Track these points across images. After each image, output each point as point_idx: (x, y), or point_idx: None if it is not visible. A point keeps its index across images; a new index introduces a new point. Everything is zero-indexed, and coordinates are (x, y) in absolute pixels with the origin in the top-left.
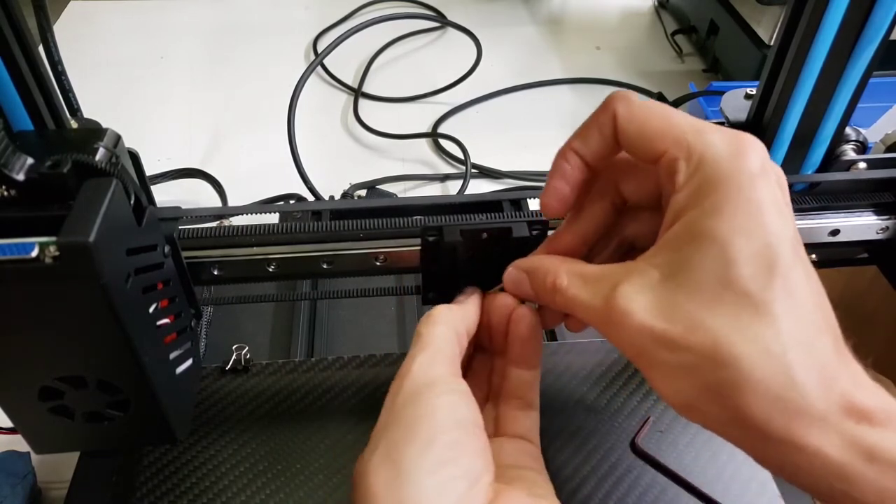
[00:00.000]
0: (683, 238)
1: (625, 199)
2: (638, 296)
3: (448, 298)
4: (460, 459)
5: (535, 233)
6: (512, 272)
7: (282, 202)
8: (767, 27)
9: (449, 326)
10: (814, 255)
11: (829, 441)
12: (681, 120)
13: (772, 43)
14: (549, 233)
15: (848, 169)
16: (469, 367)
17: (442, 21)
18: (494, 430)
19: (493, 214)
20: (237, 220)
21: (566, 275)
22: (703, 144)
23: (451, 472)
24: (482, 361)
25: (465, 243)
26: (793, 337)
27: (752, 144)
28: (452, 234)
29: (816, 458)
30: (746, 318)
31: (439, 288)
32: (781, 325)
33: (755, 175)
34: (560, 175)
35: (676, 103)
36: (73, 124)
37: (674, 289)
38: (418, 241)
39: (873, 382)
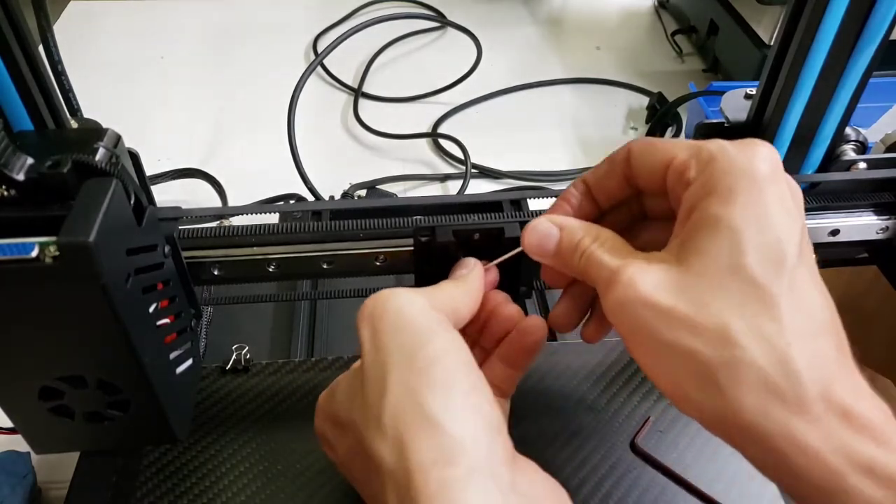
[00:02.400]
0: (696, 225)
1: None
2: (649, 272)
3: None
4: (483, 406)
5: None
6: (544, 224)
7: (282, 202)
8: (767, 27)
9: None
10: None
11: (822, 442)
12: (692, 140)
13: (772, 43)
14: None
15: (848, 169)
16: None
17: (442, 21)
18: None
19: (492, 214)
20: (237, 220)
21: (603, 234)
22: (715, 145)
23: (478, 420)
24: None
25: (457, 244)
26: (795, 332)
27: (764, 146)
28: (445, 234)
29: (810, 459)
30: (752, 307)
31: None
32: (785, 319)
33: (766, 173)
34: (564, 197)
35: (676, 103)
36: (73, 124)
37: (684, 271)
38: None
39: (875, 395)
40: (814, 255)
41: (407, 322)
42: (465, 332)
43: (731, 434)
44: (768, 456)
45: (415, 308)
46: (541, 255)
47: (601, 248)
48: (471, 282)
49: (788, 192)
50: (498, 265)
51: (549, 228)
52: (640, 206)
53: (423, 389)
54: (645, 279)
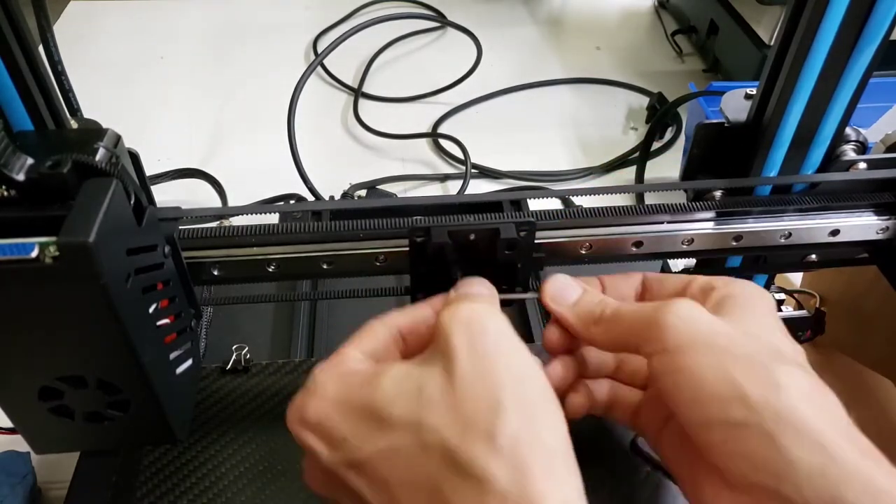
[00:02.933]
0: (724, 305)
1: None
2: (699, 305)
3: None
4: (565, 435)
5: (522, 234)
6: (566, 279)
7: (282, 202)
8: (767, 27)
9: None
10: (814, 255)
11: (861, 462)
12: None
13: (772, 43)
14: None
15: (848, 169)
16: None
17: (442, 21)
18: None
19: (492, 215)
20: (237, 221)
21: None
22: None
23: (575, 471)
24: None
25: (452, 244)
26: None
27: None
28: (440, 234)
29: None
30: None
31: (428, 289)
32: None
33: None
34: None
35: (676, 103)
36: (73, 124)
37: (730, 310)
38: None
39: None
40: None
41: (514, 349)
42: None
43: (781, 433)
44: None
45: (515, 338)
46: (557, 304)
47: (622, 305)
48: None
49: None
50: (497, 274)
51: (573, 283)
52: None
53: (544, 426)
54: (701, 308)
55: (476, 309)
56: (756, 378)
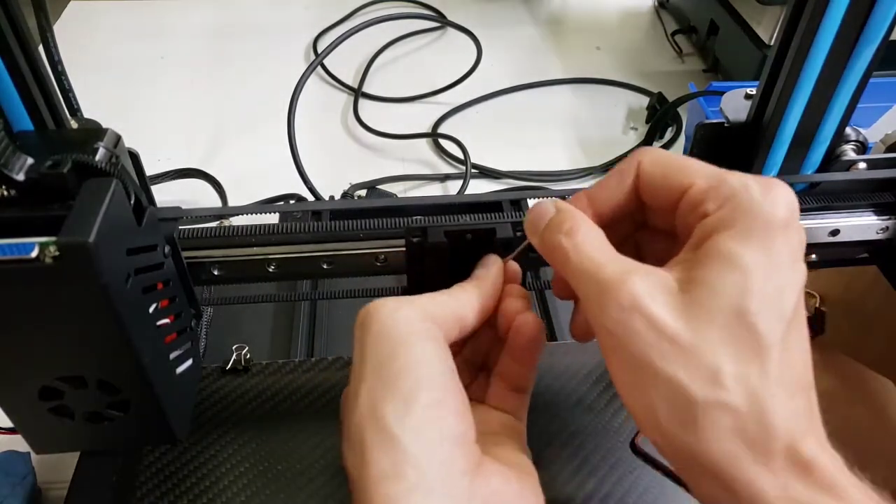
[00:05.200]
0: (707, 256)
1: (645, 221)
2: (655, 289)
3: None
4: (445, 419)
5: (519, 234)
6: (545, 204)
7: (282, 202)
8: (767, 27)
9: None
10: (814, 255)
11: (779, 493)
12: (708, 165)
13: (772, 43)
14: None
15: (848, 169)
16: (473, 334)
17: (442, 21)
18: (482, 397)
19: (492, 215)
20: (237, 220)
21: (590, 230)
22: (738, 180)
23: (434, 434)
24: (487, 333)
25: (449, 244)
26: (780, 386)
27: (782, 188)
28: (436, 234)
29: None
30: (746, 354)
31: (425, 289)
32: (773, 372)
33: (784, 220)
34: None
35: (676, 103)
36: (73, 124)
37: (689, 300)
38: None
39: (835, 452)
40: (804, 311)
41: (387, 331)
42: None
43: (691, 470)
44: (723, 497)
45: (398, 316)
46: (530, 233)
47: (586, 241)
48: (481, 286)
49: (798, 244)
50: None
51: (548, 207)
52: (640, 217)
53: (386, 402)
54: (652, 296)
55: (371, 305)
56: (675, 412)
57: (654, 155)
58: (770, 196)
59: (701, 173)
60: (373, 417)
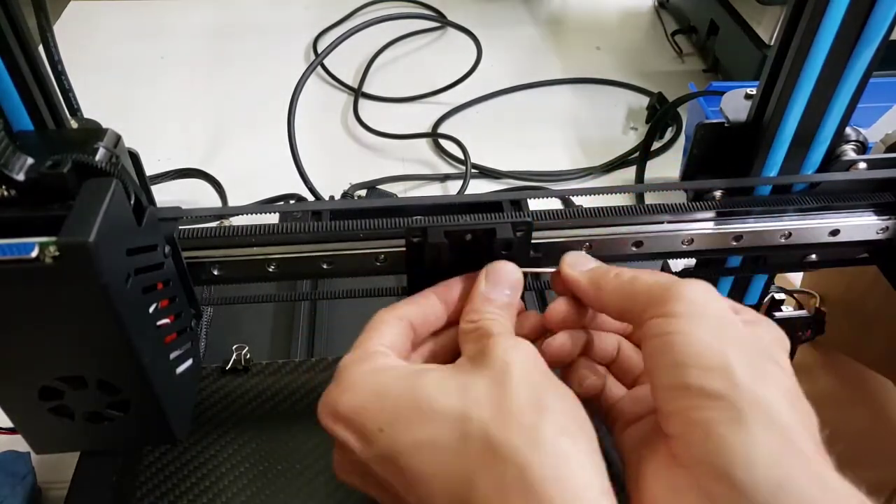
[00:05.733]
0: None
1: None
2: (713, 291)
3: None
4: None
5: (519, 234)
6: (582, 253)
7: (282, 202)
8: (767, 27)
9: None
10: (814, 255)
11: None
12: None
13: (772, 43)
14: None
15: (848, 169)
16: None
17: (442, 21)
18: None
19: (492, 215)
20: (237, 220)
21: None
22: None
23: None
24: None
25: (449, 244)
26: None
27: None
28: (436, 235)
29: None
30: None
31: (425, 289)
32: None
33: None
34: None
35: (676, 103)
36: (73, 124)
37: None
38: None
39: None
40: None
41: (558, 381)
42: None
43: (750, 416)
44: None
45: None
46: (574, 267)
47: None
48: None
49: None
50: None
51: (590, 257)
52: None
53: (582, 435)
54: (718, 295)
55: (530, 346)
56: (748, 361)
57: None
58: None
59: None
60: (573, 437)
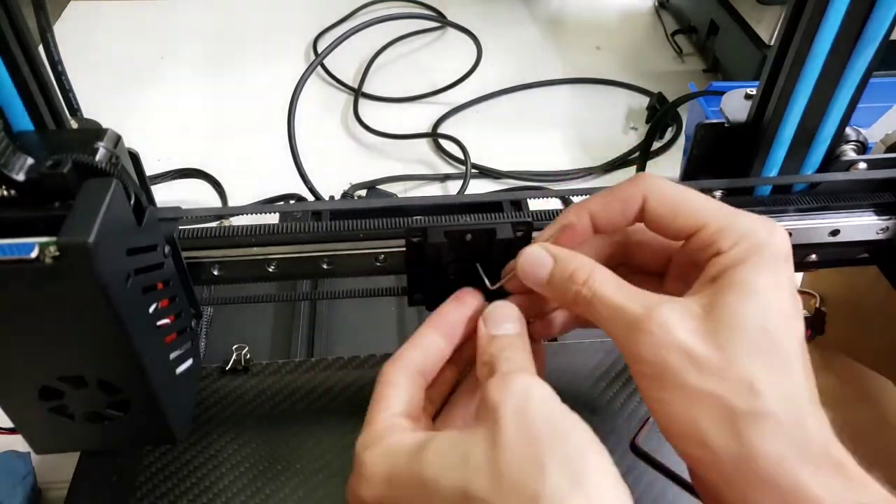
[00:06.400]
0: (726, 287)
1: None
2: (682, 317)
3: (433, 299)
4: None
5: (519, 234)
6: (537, 251)
7: (282, 202)
8: (767, 27)
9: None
10: (814, 255)
11: (826, 492)
12: (714, 202)
13: (772, 43)
14: (535, 235)
15: (848, 169)
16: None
17: (442, 21)
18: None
19: (492, 215)
20: (237, 220)
21: (602, 273)
22: (746, 222)
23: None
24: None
25: (449, 244)
26: (807, 395)
27: (783, 231)
28: (436, 235)
29: None
30: (776, 367)
31: (425, 289)
32: (800, 382)
33: (784, 256)
34: (568, 233)
35: (676, 103)
36: (73, 124)
37: (715, 323)
38: None
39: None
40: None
41: (557, 411)
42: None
43: (738, 481)
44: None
45: (558, 401)
46: (533, 284)
47: (605, 286)
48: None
49: (794, 275)
50: (494, 275)
51: (542, 257)
52: (623, 252)
53: (588, 479)
54: (681, 325)
55: (524, 381)
56: (719, 424)
57: (660, 191)
58: (774, 236)
59: (712, 215)
60: (576, 490)
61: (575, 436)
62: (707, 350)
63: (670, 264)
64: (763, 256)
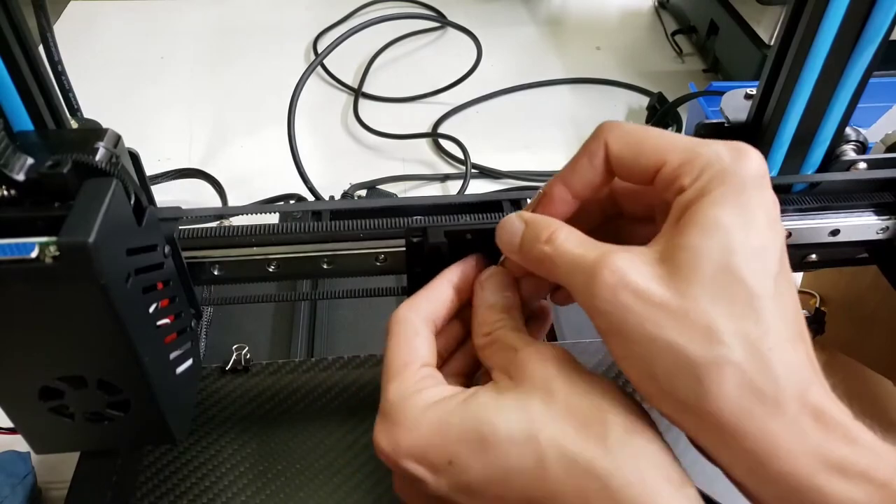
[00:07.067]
0: (686, 226)
1: (620, 211)
2: (637, 263)
3: None
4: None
5: None
6: (512, 219)
7: (282, 202)
8: (767, 27)
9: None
10: (814, 255)
11: (797, 443)
12: (677, 136)
13: (772, 43)
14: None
15: (848, 169)
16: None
17: (442, 21)
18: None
19: (492, 215)
20: (237, 220)
21: (566, 231)
22: (710, 150)
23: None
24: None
25: (449, 244)
26: (777, 338)
27: (752, 152)
28: (436, 235)
29: (783, 461)
30: (739, 309)
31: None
32: (769, 323)
33: (754, 183)
34: (545, 202)
35: (676, 103)
36: (73, 124)
37: (673, 267)
38: None
39: (838, 399)
40: (790, 269)
41: (594, 376)
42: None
43: (704, 431)
44: (741, 457)
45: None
46: (508, 251)
47: (567, 241)
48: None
49: (772, 203)
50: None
51: (514, 223)
52: (613, 204)
53: (644, 435)
54: (635, 269)
55: (560, 353)
56: (682, 378)
57: (619, 134)
58: (741, 160)
59: (673, 148)
60: (638, 441)
61: (619, 391)
62: (665, 296)
63: (655, 211)
64: (728, 185)
